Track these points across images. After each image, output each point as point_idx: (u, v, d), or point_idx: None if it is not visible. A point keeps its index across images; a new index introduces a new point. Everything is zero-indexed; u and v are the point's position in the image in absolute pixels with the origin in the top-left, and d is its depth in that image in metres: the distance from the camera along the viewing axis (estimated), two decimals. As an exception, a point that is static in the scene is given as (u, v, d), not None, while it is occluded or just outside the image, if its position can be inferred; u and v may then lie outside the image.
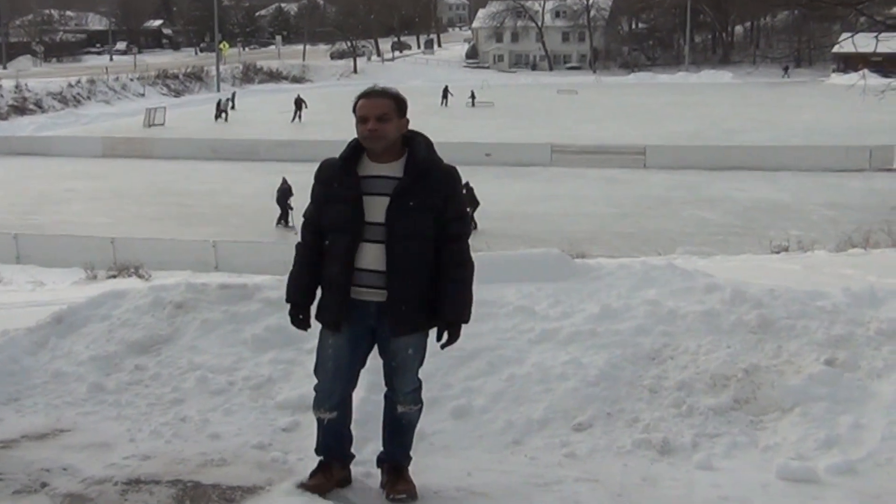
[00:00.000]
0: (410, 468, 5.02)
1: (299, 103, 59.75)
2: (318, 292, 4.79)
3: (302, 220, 4.86)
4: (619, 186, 34.56)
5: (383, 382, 4.94)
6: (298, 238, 4.88)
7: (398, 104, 4.64)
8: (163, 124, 59.89)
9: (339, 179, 4.62)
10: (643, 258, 9.82)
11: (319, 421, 4.87)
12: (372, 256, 4.56)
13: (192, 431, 5.76)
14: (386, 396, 4.97)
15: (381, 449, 5.06)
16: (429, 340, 4.85)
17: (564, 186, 34.59)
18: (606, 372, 6.09)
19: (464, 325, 4.81)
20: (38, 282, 17.65)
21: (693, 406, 5.78)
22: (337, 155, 4.73)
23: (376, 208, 4.55)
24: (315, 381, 4.88)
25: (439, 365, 6.28)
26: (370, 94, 4.68)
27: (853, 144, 40.06)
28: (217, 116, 63.20)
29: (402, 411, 4.90)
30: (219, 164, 40.87)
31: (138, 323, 6.93)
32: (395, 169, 4.61)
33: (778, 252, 16.60)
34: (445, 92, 72.87)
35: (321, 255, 4.69)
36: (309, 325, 4.81)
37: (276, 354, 6.52)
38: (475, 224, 26.12)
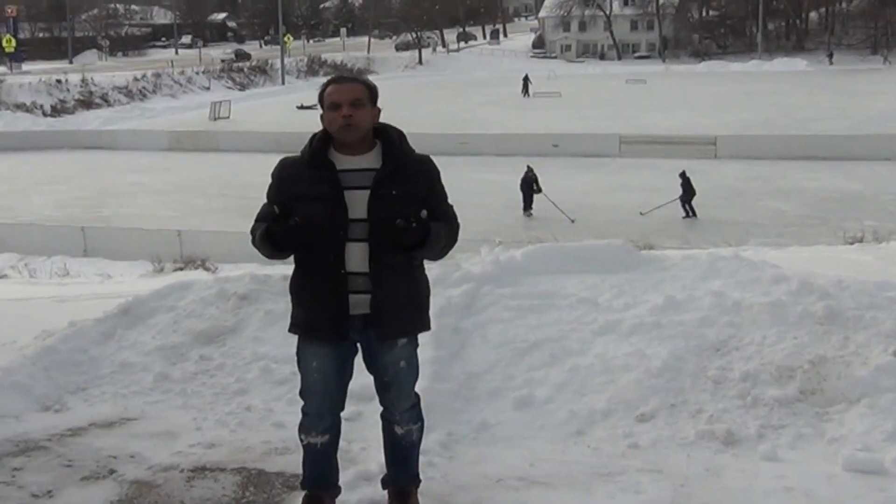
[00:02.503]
0: (471, 456, 4.98)
1: None
2: (289, 305, 4.44)
3: (254, 227, 4.28)
4: (690, 177, 34.20)
5: (378, 401, 4.59)
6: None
7: (370, 91, 4.27)
8: (228, 117, 60.37)
9: (308, 177, 4.20)
10: (710, 249, 9.70)
11: (309, 447, 4.50)
12: (358, 257, 4.17)
13: (256, 420, 5.84)
14: (383, 416, 4.60)
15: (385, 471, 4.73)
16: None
17: (634, 178, 34.31)
18: (670, 363, 6.05)
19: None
20: (106, 274, 17.89)
21: (758, 397, 5.72)
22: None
23: (356, 203, 4.14)
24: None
25: (502, 355, 6.32)
26: (340, 80, 4.31)
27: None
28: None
29: (401, 433, 4.56)
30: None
31: (203, 314, 7.04)
32: (370, 160, 4.22)
33: (852, 243, 16.33)
34: (526, 81, 73.01)
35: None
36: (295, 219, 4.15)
37: (338, 345, 6.57)
38: (694, 212, 26.06)
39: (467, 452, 5.37)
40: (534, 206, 28.63)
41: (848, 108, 54.69)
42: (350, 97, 4.18)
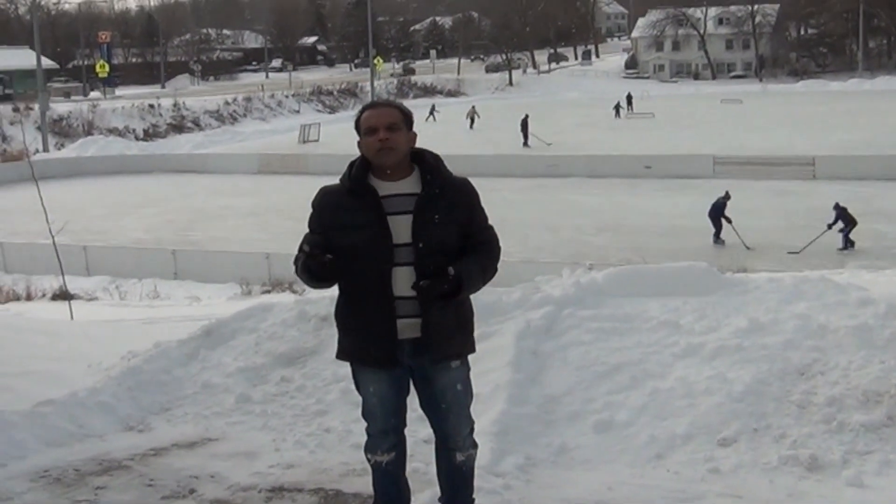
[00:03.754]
0: (549, 480, 4.96)
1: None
2: (337, 333, 4.46)
3: (303, 251, 4.24)
4: (787, 198, 33.61)
5: (432, 432, 4.57)
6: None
7: (405, 116, 4.31)
8: (317, 140, 60.67)
9: (350, 204, 4.23)
10: (796, 273, 9.54)
11: (376, 466, 4.53)
12: (404, 282, 4.18)
13: (335, 442, 5.89)
14: (439, 445, 4.58)
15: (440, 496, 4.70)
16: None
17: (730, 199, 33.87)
18: (753, 387, 5.98)
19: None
20: (195, 297, 18.22)
21: (843, 422, 5.62)
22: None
23: (400, 228, 4.17)
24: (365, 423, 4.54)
25: (581, 378, 6.29)
26: (376, 105, 4.35)
27: None
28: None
29: (461, 459, 4.52)
30: (373, 178, 41.04)
31: (284, 336, 7.14)
32: (410, 185, 4.26)
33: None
34: (629, 99, 72.89)
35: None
36: (330, 258, 4.16)
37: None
38: (853, 243, 25.43)
39: (545, 476, 5.36)
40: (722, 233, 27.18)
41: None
42: (385, 121, 4.22)
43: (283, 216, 34.19)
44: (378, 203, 4.20)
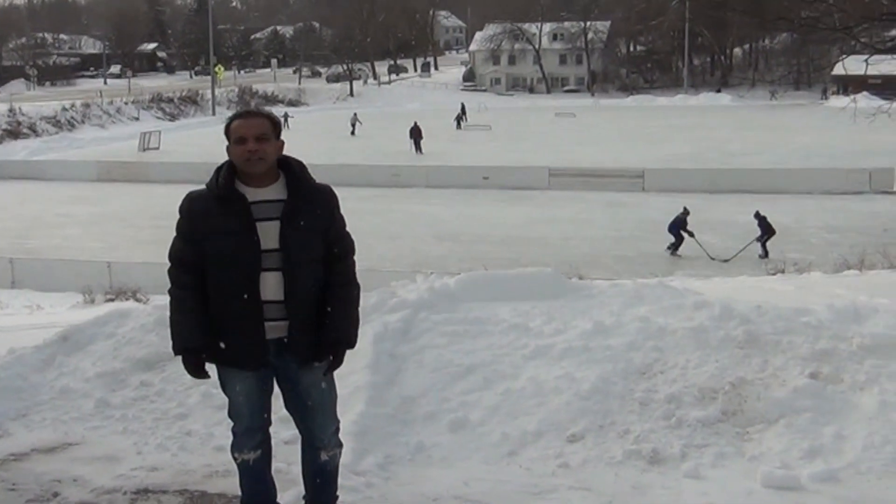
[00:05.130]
0: (408, 477, 5.16)
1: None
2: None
3: (170, 261, 4.47)
4: (618, 210, 34.71)
5: (292, 434, 4.73)
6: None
7: (274, 125, 4.43)
8: (157, 148, 59.80)
9: (219, 210, 4.33)
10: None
11: (243, 465, 4.64)
12: (270, 286, 4.33)
13: (197, 444, 5.96)
14: (304, 444, 4.69)
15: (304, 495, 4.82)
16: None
17: (563, 210, 34.77)
18: (598, 386, 6.28)
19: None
20: (36, 306, 17.77)
21: (682, 418, 5.97)
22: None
23: (268, 234, 4.31)
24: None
25: (437, 380, 6.50)
26: (245, 115, 4.47)
27: (853, 167, 40.16)
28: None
29: (326, 458, 4.65)
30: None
31: (143, 341, 7.14)
32: (276, 191, 4.38)
33: (774, 274, 16.80)
34: (463, 109, 74.24)
35: (205, 296, 4.40)
36: (207, 374, 4.49)
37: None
38: (767, 252, 25.77)
39: (404, 473, 5.54)
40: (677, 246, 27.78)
41: (772, 143, 55.86)
42: (255, 132, 4.33)
43: (124, 224, 33.51)
44: (247, 209, 4.31)
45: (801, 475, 5.33)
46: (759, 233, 26.70)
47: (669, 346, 6.68)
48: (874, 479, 5.31)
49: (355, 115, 69.87)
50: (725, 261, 25.78)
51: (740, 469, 5.51)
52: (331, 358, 4.49)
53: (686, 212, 28.09)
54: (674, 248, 27.74)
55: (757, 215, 27.06)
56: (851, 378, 6.18)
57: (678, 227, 27.87)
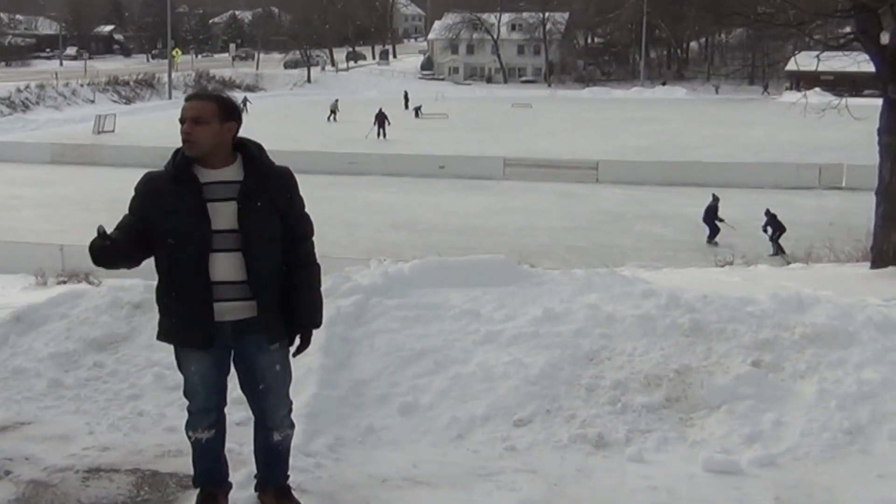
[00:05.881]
0: (357, 459, 5.26)
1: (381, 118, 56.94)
2: (152, 319, 4.63)
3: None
4: (572, 201, 34.89)
5: (244, 415, 4.82)
6: None
7: (223, 108, 4.43)
8: (113, 131, 59.19)
9: (172, 190, 4.39)
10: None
11: (197, 443, 4.73)
12: (224, 268, 4.39)
13: (149, 425, 6.01)
14: (257, 425, 4.79)
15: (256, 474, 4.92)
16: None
17: (517, 200, 34.90)
18: (546, 371, 6.40)
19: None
20: (-14, 286, 17.58)
21: (627, 404, 6.11)
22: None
23: (222, 215, 4.36)
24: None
25: (388, 364, 6.59)
26: (193, 97, 4.52)
27: (804, 162, 40.66)
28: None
29: (278, 438, 4.75)
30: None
31: (97, 322, 7.15)
32: (233, 173, 4.44)
33: (722, 266, 17.03)
34: (406, 97, 74.59)
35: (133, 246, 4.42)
36: (112, 247, 4.36)
37: (230, 353, 6.76)
38: (782, 249, 24.91)
39: (354, 455, 5.63)
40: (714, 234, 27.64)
41: (725, 137, 56.38)
42: (192, 114, 4.39)
43: (77, 207, 33.19)
44: (199, 190, 4.37)
45: (741, 460, 5.48)
46: (770, 232, 26.38)
47: (617, 333, 6.80)
48: (811, 464, 5.48)
49: (336, 101, 69.74)
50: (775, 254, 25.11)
51: (683, 454, 5.66)
52: (298, 341, 4.62)
53: (716, 198, 28.07)
54: (711, 237, 27.65)
55: (767, 213, 26.91)
56: (792, 366, 6.35)
57: (711, 215, 27.85)
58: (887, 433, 5.73)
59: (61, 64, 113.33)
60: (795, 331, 6.66)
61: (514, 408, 6.12)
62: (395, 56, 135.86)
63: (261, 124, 58.07)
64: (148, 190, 4.45)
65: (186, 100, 4.50)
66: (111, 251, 4.34)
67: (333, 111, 67.44)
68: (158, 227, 4.38)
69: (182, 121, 4.39)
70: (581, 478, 5.41)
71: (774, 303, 7.05)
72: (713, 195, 28.18)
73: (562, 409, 6.12)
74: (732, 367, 6.33)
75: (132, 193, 4.52)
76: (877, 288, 10.18)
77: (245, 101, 67.74)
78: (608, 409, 6.09)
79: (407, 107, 73.82)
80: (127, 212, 4.50)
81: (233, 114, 4.47)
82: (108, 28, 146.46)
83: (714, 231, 27.75)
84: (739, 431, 5.78)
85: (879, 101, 12.32)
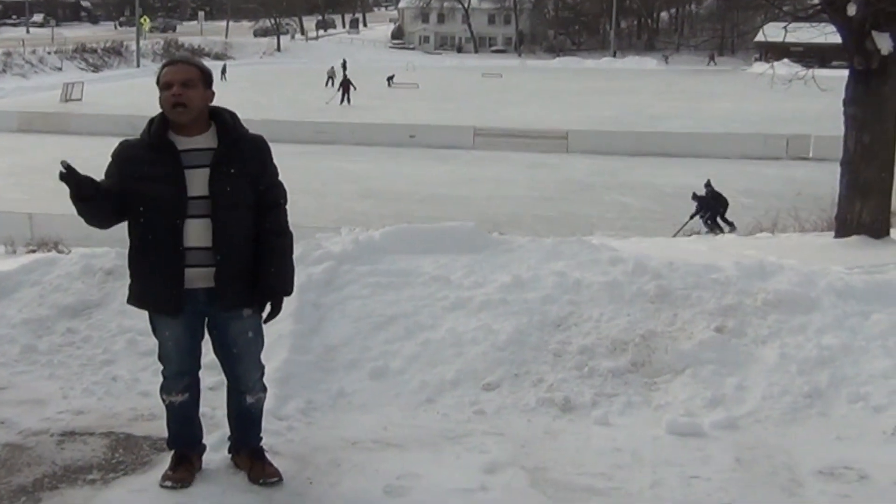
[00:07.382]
0: (329, 422, 5.36)
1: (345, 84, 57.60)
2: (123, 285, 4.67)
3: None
4: (541, 170, 34.95)
5: (217, 380, 4.93)
6: None
7: (204, 74, 4.51)
8: (80, 99, 58.53)
9: (149, 157, 4.45)
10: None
11: (171, 407, 4.82)
12: (197, 233, 4.44)
13: (122, 389, 6.09)
14: (230, 389, 4.89)
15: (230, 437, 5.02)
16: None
17: (487, 170, 34.93)
18: (514, 337, 6.51)
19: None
20: (-47, 255, 17.48)
21: (594, 368, 6.24)
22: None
23: (196, 181, 4.42)
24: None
25: (359, 329, 6.68)
26: (175, 62, 4.56)
27: (771, 133, 40.88)
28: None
29: (251, 402, 4.84)
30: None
31: (69, 288, 7.20)
32: (207, 140, 4.50)
33: (689, 235, 17.22)
34: (344, 65, 73.65)
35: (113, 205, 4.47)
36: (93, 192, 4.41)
37: (202, 319, 6.83)
38: (733, 225, 23.47)
39: (325, 418, 5.74)
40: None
41: (694, 107, 56.57)
42: (181, 77, 4.43)
43: (45, 176, 32.60)
44: (176, 156, 4.43)
45: (704, 423, 5.63)
46: (707, 211, 24.76)
47: (584, 299, 6.91)
48: (771, 426, 5.64)
49: (333, 68, 69.25)
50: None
51: (647, 417, 5.81)
52: (269, 308, 4.67)
53: (710, 189, 26.13)
54: (711, 230, 26.86)
55: (708, 185, 25.20)
56: (755, 332, 6.49)
57: (713, 212, 27.10)
58: (846, 396, 5.90)
59: (28, 31, 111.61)
60: (758, 297, 6.80)
61: (482, 372, 6.24)
62: (365, 25, 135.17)
63: (230, 92, 57.91)
64: (126, 157, 4.51)
65: (168, 64, 4.54)
66: (93, 190, 4.39)
67: (331, 77, 66.88)
68: (135, 193, 4.42)
69: (167, 85, 4.42)
70: (548, 440, 5.54)
71: (738, 270, 7.18)
72: (707, 184, 25.63)
73: (529, 374, 6.24)
74: (696, 333, 6.46)
75: (107, 160, 4.58)
76: (840, 256, 10.34)
77: (224, 69, 67.46)
78: (575, 374, 6.22)
79: (331, 83, 67.87)
80: (103, 177, 4.55)
81: (210, 81, 4.55)
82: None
83: (714, 231, 27.00)
84: (702, 395, 5.93)
85: (846, 73, 12.43)
